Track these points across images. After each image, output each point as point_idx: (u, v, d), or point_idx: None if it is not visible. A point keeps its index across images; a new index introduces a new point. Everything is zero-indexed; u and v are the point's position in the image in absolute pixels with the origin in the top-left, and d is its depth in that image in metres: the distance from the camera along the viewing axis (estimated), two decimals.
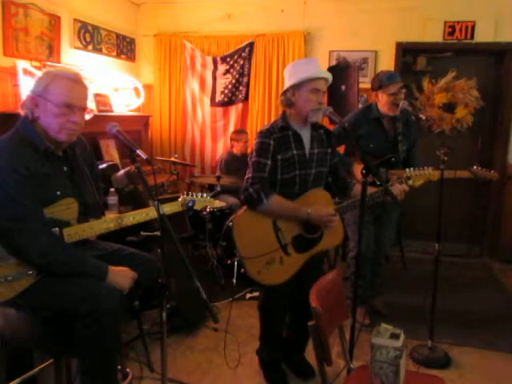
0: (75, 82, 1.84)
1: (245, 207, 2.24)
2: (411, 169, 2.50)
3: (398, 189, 2.35)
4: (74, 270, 1.82)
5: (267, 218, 2.23)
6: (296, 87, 2.20)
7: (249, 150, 4.66)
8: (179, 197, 2.26)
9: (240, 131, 4.75)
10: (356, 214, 2.42)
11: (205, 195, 2.35)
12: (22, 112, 1.85)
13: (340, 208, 2.30)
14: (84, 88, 1.88)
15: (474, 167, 2.80)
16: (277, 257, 2.23)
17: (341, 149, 3.03)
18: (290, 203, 2.24)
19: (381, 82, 2.91)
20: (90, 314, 1.73)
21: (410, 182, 2.44)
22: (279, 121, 2.28)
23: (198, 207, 2.30)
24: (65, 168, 1.93)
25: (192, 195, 2.30)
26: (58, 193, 1.85)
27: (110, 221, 2.00)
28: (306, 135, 2.31)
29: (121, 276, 1.90)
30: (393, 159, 2.98)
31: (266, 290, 2.41)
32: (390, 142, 3.02)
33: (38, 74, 1.95)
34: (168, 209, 2.14)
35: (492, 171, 2.82)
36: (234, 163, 4.57)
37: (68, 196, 1.88)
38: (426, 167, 2.53)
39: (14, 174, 1.70)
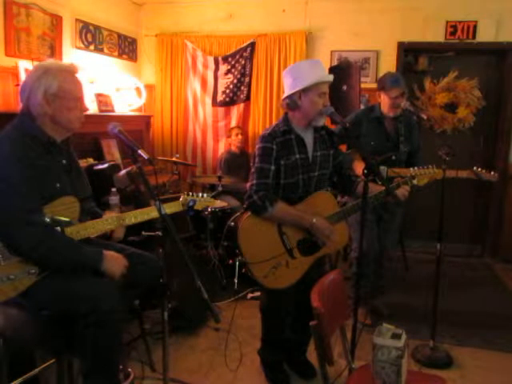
0: (75, 74, 1.94)
1: (249, 213, 2.22)
2: (415, 168, 2.49)
3: (400, 191, 2.35)
4: (70, 260, 1.82)
5: (272, 223, 2.22)
6: (303, 91, 2.17)
7: (246, 145, 4.75)
8: (180, 197, 2.26)
9: (231, 128, 4.83)
10: (359, 213, 2.41)
11: (205, 195, 2.35)
12: (20, 107, 1.89)
13: (340, 214, 2.29)
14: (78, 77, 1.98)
15: (474, 168, 2.80)
16: (283, 261, 2.23)
17: (342, 148, 3.03)
18: (295, 211, 2.22)
19: (384, 83, 2.99)
20: (90, 314, 1.74)
21: (415, 182, 2.43)
22: (281, 124, 2.26)
23: (198, 207, 2.30)
24: (64, 161, 1.96)
25: (193, 195, 2.30)
26: (58, 185, 1.86)
27: (111, 220, 2.00)
28: (308, 138, 2.29)
29: (113, 261, 1.91)
30: (393, 157, 3.00)
31: (268, 292, 2.39)
32: (390, 141, 3.05)
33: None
34: (169, 209, 2.14)
35: (492, 172, 2.81)
36: (233, 161, 4.63)
37: (66, 190, 1.89)
38: (429, 165, 2.52)
39: (17, 163, 1.73)
